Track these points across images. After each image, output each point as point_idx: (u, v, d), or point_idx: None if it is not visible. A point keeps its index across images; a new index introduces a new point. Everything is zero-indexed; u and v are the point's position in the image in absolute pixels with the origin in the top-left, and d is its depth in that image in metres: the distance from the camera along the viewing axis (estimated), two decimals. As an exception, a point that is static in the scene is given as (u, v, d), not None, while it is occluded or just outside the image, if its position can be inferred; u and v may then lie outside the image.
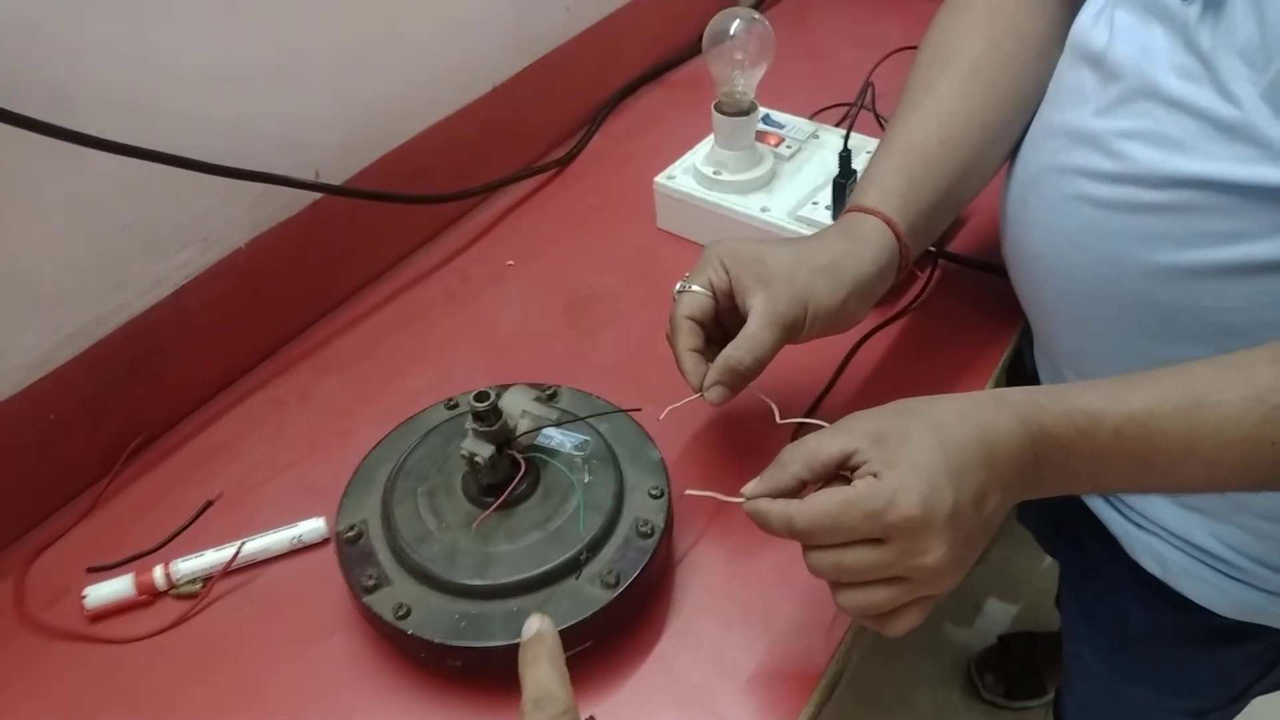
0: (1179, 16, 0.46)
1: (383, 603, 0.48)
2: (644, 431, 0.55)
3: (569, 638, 0.46)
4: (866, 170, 0.58)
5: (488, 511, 0.50)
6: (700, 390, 0.51)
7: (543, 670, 0.37)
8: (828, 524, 0.41)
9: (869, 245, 0.53)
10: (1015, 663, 1.26)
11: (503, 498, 0.50)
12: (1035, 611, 1.36)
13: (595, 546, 0.49)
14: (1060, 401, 0.42)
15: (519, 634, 0.45)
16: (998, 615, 1.37)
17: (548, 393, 0.57)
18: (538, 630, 0.39)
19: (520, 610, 0.47)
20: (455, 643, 0.46)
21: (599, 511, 0.50)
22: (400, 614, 0.47)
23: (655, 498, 0.51)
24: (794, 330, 0.51)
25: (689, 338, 0.52)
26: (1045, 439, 0.42)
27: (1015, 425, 0.41)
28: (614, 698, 0.49)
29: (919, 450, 0.40)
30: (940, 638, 1.34)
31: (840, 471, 0.42)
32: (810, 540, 0.42)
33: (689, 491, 0.48)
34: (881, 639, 0.45)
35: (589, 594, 0.47)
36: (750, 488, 0.44)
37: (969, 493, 0.40)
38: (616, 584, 0.47)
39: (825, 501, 0.41)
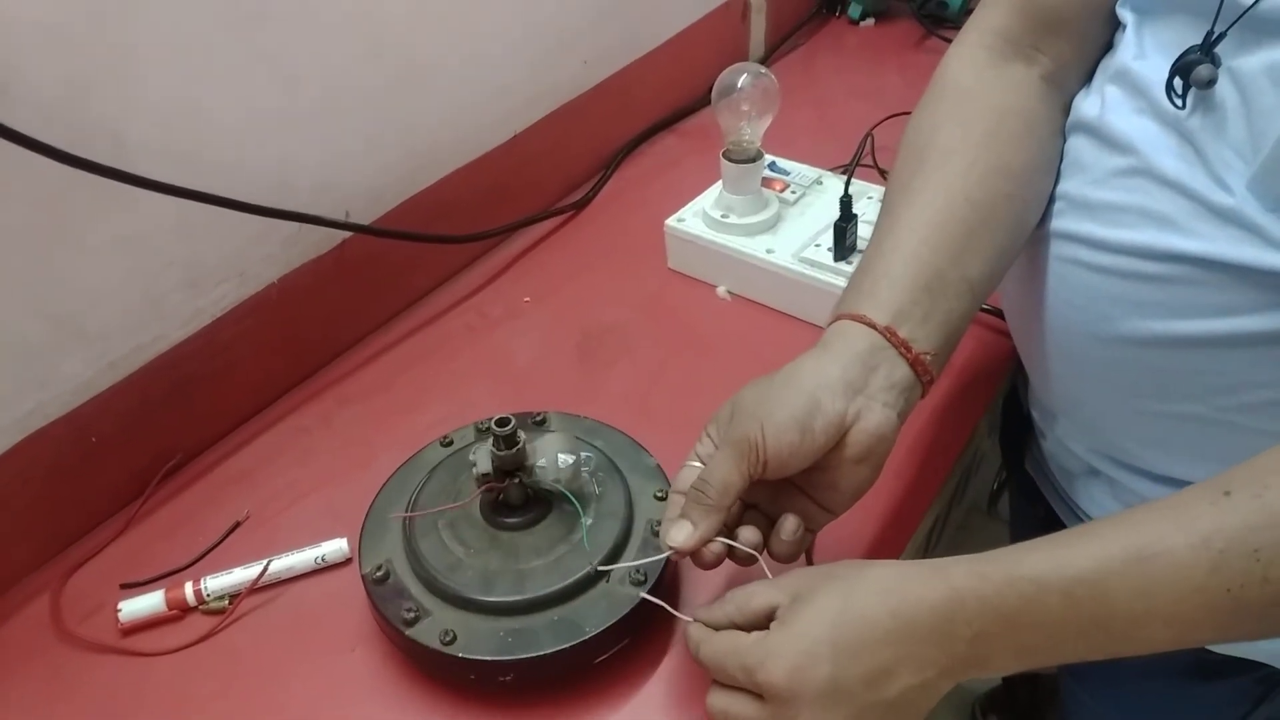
0: (1170, 114, 0.47)
1: (427, 633, 0.49)
2: (636, 443, 0.58)
3: (610, 638, 0.48)
4: (861, 286, 0.51)
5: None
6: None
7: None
8: (715, 663, 0.43)
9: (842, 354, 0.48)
10: (1019, 704, 1.26)
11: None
12: (1041, 653, 1.36)
13: (617, 550, 0.51)
14: (1003, 570, 0.40)
15: (564, 640, 0.48)
16: (1003, 657, 1.36)
17: (536, 419, 0.60)
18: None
19: (561, 619, 0.49)
20: (507, 658, 0.47)
21: (615, 518, 0.52)
22: (447, 640, 0.48)
23: (660, 499, 0.54)
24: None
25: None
26: (986, 612, 0.39)
27: (944, 601, 0.40)
28: (650, 685, 0.51)
29: (810, 617, 0.41)
30: (946, 678, 1.34)
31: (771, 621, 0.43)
32: (710, 674, 0.44)
33: (645, 595, 0.49)
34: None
35: (622, 593, 0.50)
36: (699, 610, 0.46)
37: (857, 670, 0.39)
38: (644, 580, 0.50)
39: (720, 642, 0.43)
